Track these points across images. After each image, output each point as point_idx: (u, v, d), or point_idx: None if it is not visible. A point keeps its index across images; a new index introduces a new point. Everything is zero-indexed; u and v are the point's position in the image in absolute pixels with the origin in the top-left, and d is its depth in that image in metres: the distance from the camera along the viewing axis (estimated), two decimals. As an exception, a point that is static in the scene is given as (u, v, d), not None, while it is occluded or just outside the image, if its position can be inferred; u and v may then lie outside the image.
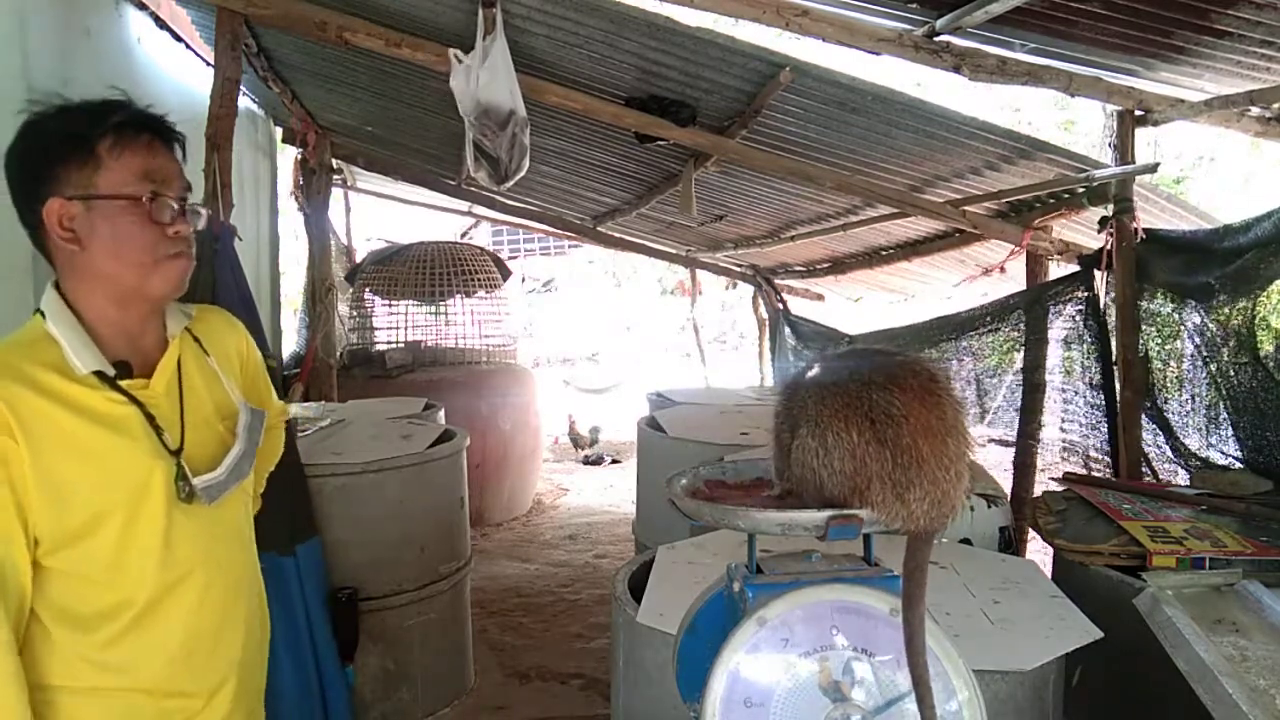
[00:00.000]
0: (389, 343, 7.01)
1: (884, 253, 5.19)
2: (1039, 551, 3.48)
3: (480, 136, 3.04)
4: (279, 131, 6.12)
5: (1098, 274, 3.23)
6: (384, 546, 3.04)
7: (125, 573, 1.28)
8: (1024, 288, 3.77)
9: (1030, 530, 3.05)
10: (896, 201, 3.76)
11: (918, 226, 4.46)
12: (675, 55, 3.07)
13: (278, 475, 1.81)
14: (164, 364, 1.36)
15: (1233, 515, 2.20)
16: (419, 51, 3.20)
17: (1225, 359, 2.74)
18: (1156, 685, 1.68)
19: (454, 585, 3.31)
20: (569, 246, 14.99)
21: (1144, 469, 3.05)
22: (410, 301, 7.05)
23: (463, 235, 10.27)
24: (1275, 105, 2.71)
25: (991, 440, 3.94)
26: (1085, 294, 3.34)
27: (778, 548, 1.19)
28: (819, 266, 6.16)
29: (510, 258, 12.55)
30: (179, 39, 4.12)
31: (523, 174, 3.15)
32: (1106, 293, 3.19)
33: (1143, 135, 3.01)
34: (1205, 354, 2.83)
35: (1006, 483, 3.45)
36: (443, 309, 7.20)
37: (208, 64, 3.89)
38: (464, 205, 7.98)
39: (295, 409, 3.77)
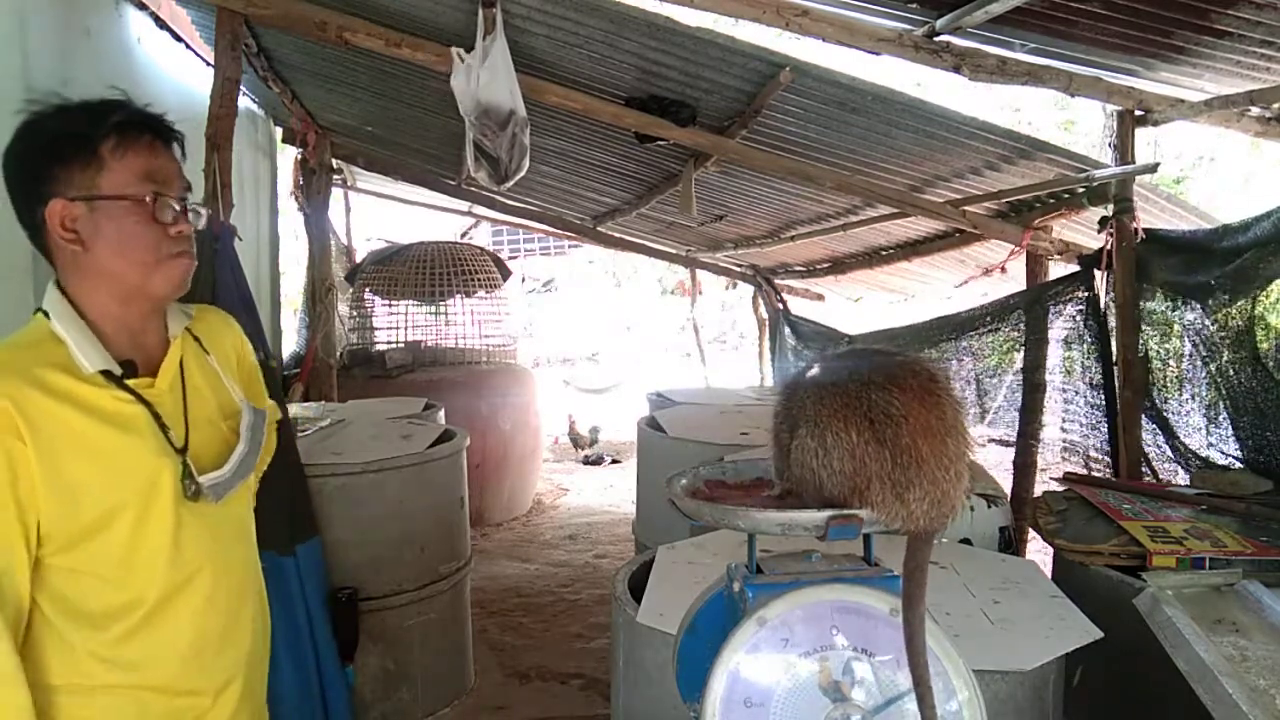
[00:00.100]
0: (389, 343, 7.01)
1: (884, 253, 5.19)
2: (1039, 551, 3.48)
3: (480, 136, 3.04)
4: (279, 131, 6.12)
5: (1098, 274, 3.23)
6: (384, 546, 3.04)
7: (136, 571, 1.29)
8: (1024, 288, 3.77)
9: (1030, 530, 3.05)
10: (896, 201, 3.76)
11: (918, 226, 4.46)
12: (675, 55, 3.07)
13: (278, 475, 1.81)
14: (167, 363, 1.37)
15: (1233, 515, 2.20)
16: (419, 51, 3.20)
17: (1225, 358, 2.74)
18: (1156, 685, 1.67)
19: (454, 585, 3.31)
20: (569, 246, 14.99)
21: (1144, 469, 3.05)
22: (410, 301, 7.05)
23: (463, 235, 10.27)
24: (1275, 105, 2.71)
25: (992, 440, 3.94)
26: (1085, 294, 3.34)
27: (778, 548, 1.19)
28: (819, 266, 6.16)
29: (510, 258, 12.55)
30: (179, 39, 4.12)
31: (523, 174, 3.15)
32: (1106, 293, 3.19)
33: (1143, 135, 3.02)
34: (1205, 354, 2.83)
35: (1007, 483, 3.45)
36: (443, 309, 7.20)
37: (208, 64, 3.89)
38: (464, 205, 7.97)
39: (295, 409, 3.77)
